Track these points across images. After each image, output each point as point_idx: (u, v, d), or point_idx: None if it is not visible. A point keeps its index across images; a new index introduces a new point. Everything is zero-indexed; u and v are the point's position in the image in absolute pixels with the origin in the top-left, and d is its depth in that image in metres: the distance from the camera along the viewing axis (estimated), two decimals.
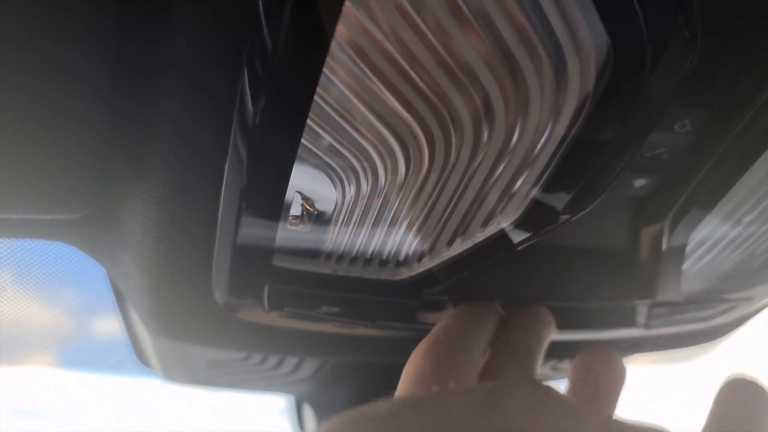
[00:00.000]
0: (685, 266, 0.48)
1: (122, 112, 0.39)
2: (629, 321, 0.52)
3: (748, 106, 0.36)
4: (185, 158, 0.38)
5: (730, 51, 0.34)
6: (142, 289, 0.48)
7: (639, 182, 0.41)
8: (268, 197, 0.38)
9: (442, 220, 0.41)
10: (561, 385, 0.47)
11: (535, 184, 0.39)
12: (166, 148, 0.38)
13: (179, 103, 0.35)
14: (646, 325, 0.52)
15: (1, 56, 0.33)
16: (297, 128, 0.33)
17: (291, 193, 0.39)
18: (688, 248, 0.46)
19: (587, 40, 0.31)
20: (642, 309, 0.51)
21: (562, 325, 0.48)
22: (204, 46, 0.32)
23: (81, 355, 0.80)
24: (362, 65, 0.31)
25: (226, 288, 0.44)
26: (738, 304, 0.55)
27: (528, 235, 0.42)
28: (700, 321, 0.55)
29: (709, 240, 0.47)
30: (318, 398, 0.81)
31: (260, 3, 0.29)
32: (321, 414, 0.82)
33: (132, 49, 0.35)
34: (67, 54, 0.35)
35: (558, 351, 0.54)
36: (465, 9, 0.29)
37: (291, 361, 0.67)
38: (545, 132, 0.36)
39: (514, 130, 0.36)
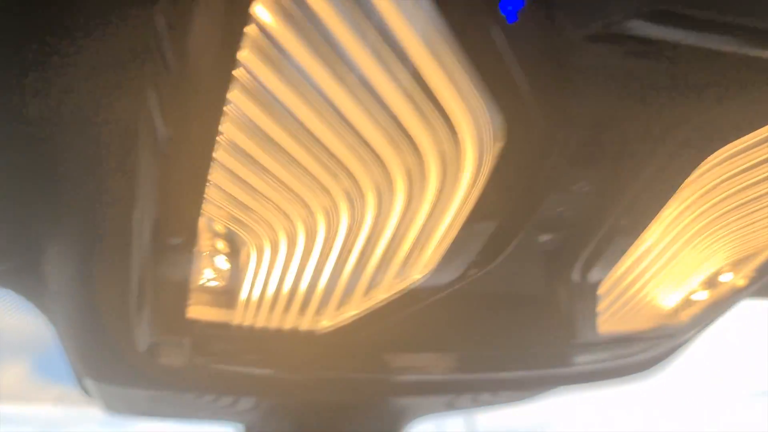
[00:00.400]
0: (599, 309, 0.49)
1: (41, 172, 0.39)
2: (554, 360, 0.53)
3: (642, 167, 0.38)
4: (100, 211, 0.39)
5: (619, 119, 0.35)
6: (68, 335, 0.48)
7: (544, 238, 0.42)
8: (181, 251, 0.39)
9: (357, 276, 0.42)
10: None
11: (441, 242, 0.40)
12: (82, 197, 0.38)
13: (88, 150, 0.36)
14: (568, 364, 0.53)
15: None
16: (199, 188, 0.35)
17: (204, 251, 0.40)
18: (601, 292, 0.48)
19: (483, 117, 0.32)
20: (564, 349, 0.52)
21: (485, 368, 0.49)
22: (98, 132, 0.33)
23: (25, 386, 0.80)
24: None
25: (148, 339, 0.45)
26: (656, 342, 0.56)
27: (439, 288, 0.43)
28: (621, 358, 0.57)
29: (621, 282, 0.49)
30: (268, 427, 0.82)
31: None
32: None
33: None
34: None
35: (482, 387, 0.55)
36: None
37: (222, 396, 0.67)
38: (446, 195, 0.37)
39: (422, 188, 0.37)
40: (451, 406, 0.85)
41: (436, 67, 0.31)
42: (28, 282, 0.49)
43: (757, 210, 0.45)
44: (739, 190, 0.42)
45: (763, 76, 0.33)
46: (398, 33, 0.29)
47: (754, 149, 0.39)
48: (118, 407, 0.71)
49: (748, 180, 0.41)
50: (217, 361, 0.47)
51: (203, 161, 0.33)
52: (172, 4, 0.28)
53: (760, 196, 0.43)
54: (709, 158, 0.38)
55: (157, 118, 0.32)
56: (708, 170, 0.40)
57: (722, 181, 0.41)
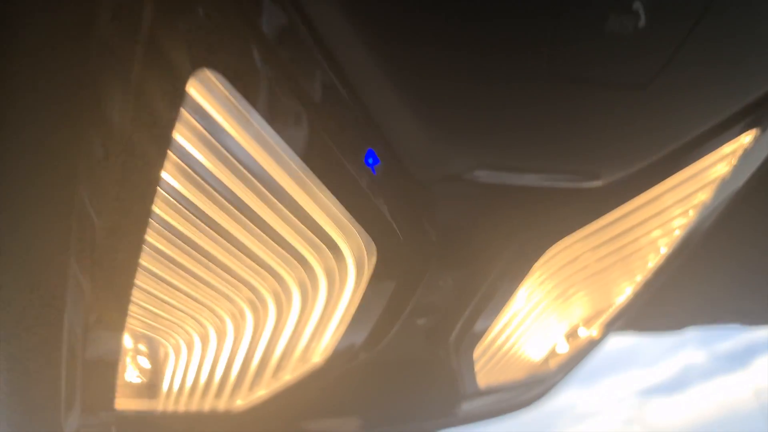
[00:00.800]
0: (476, 367, 0.58)
1: None
2: (443, 411, 0.61)
3: (492, 265, 0.47)
4: (27, 315, 0.42)
5: (469, 232, 0.44)
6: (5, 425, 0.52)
7: (421, 321, 0.50)
8: (106, 354, 0.44)
9: (266, 362, 0.49)
10: None
11: (335, 333, 0.47)
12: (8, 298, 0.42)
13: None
14: (456, 412, 0.61)
15: None
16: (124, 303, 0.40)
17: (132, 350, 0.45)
18: (476, 354, 0.56)
19: (357, 240, 0.40)
20: (451, 401, 0.61)
21: (384, 423, 0.57)
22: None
23: None
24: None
25: (74, 426, 0.50)
26: (530, 386, 0.66)
27: (336, 367, 0.50)
28: (500, 402, 0.65)
29: (492, 345, 0.57)
30: None
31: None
32: None
33: None
34: None
35: None
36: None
37: None
38: (337, 297, 0.44)
39: (314, 297, 0.44)
40: None
41: (315, 206, 0.38)
42: None
43: (594, 283, 0.55)
44: (575, 271, 0.52)
45: (568, 196, 0.42)
46: (280, 180, 0.36)
47: (581, 242, 0.48)
48: None
49: (580, 264, 0.51)
50: None
51: (132, 260, 0.38)
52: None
53: (592, 274, 0.53)
54: (548, 251, 0.47)
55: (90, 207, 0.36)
56: (550, 258, 0.48)
57: (564, 265, 0.51)
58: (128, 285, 0.39)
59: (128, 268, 0.38)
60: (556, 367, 0.65)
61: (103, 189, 0.33)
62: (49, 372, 0.45)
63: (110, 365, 0.45)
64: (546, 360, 0.64)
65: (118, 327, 0.42)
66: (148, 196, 0.34)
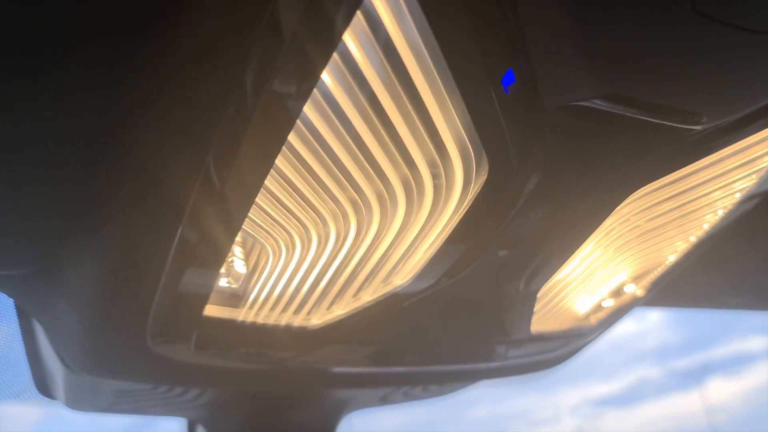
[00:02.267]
0: (534, 311, 0.60)
1: (91, 171, 0.43)
2: (491, 356, 0.64)
3: (581, 202, 0.49)
4: (143, 218, 0.44)
5: (570, 164, 0.47)
6: (76, 333, 0.53)
7: (503, 252, 0.52)
8: (212, 258, 0.45)
9: (352, 279, 0.51)
10: None
11: (424, 255, 0.49)
12: (126, 208, 0.43)
13: (149, 160, 0.41)
14: (504, 358, 0.64)
15: None
16: (251, 198, 0.41)
17: (230, 253, 0.47)
18: (537, 300, 0.59)
19: (470, 157, 0.42)
20: (501, 345, 0.63)
21: (443, 360, 0.59)
22: (181, 114, 0.38)
23: None
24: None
25: (160, 333, 0.51)
26: (572, 340, 0.69)
27: (415, 292, 0.52)
28: (544, 353, 0.68)
29: (552, 291, 0.60)
30: (211, 421, 0.87)
31: None
32: None
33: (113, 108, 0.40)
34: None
35: (427, 378, 0.65)
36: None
37: (195, 390, 0.73)
38: (436, 216, 0.46)
39: (413, 212, 0.46)
40: (384, 401, 0.94)
41: (444, 123, 0.40)
42: (36, 286, 0.54)
43: (653, 238, 0.58)
44: (641, 223, 0.55)
45: (670, 137, 0.45)
46: (420, 88, 0.38)
47: (656, 192, 0.51)
48: (81, 405, 0.75)
49: (648, 216, 0.54)
50: (215, 353, 0.54)
51: (257, 182, 0.40)
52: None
53: (654, 228, 0.56)
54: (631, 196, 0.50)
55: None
56: (627, 204, 0.51)
57: (631, 215, 0.54)
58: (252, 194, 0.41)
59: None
60: (597, 323, 0.68)
61: None
62: (148, 272, 0.47)
63: (211, 270, 0.46)
64: (589, 315, 0.67)
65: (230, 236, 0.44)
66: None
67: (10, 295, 0.54)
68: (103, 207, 0.45)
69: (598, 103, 0.40)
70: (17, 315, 0.68)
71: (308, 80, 0.35)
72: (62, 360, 0.60)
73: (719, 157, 0.49)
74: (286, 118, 0.36)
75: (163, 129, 0.39)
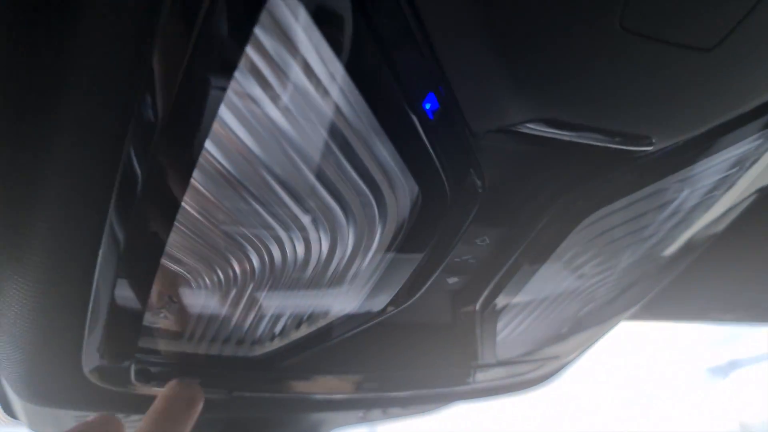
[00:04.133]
0: (498, 337, 0.57)
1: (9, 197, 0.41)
2: (458, 381, 0.61)
3: (532, 225, 0.46)
4: (62, 245, 0.42)
5: (515, 187, 0.44)
6: (14, 363, 0.51)
7: (452, 280, 0.50)
8: (137, 291, 0.43)
9: (288, 312, 0.48)
10: None
11: (363, 287, 0.47)
12: (43, 242, 0.42)
13: (61, 186, 0.39)
14: (470, 382, 0.61)
15: None
16: (161, 242, 0.39)
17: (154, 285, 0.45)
18: (499, 324, 0.56)
19: (402, 187, 0.39)
20: (466, 370, 0.60)
21: (404, 386, 0.56)
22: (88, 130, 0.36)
23: None
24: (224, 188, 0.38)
25: (95, 362, 0.49)
26: (545, 362, 0.65)
27: (359, 322, 0.49)
28: (514, 377, 0.65)
29: (517, 315, 0.57)
30: None
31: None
32: None
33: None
34: None
35: (395, 403, 0.63)
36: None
37: None
38: (370, 247, 0.44)
39: (344, 244, 0.43)
40: (363, 419, 0.92)
41: (363, 147, 0.37)
42: None
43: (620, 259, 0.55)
44: (605, 245, 0.51)
45: (618, 160, 0.42)
46: (339, 124, 0.35)
47: (615, 214, 0.48)
48: (42, 428, 0.74)
49: (611, 237, 0.51)
50: (157, 384, 0.52)
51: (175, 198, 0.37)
52: None
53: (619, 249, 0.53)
54: (584, 220, 0.47)
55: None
56: (583, 228, 0.48)
57: (592, 238, 0.50)
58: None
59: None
60: (574, 345, 0.65)
61: None
62: (78, 306, 0.45)
63: (141, 298, 0.44)
64: (565, 336, 0.64)
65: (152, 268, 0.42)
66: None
67: None
68: (21, 235, 0.43)
69: (532, 128, 0.37)
70: None
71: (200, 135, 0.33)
72: (11, 388, 0.59)
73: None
74: (181, 175, 0.35)
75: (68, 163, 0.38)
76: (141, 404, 0.56)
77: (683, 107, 0.38)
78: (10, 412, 0.74)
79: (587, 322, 0.64)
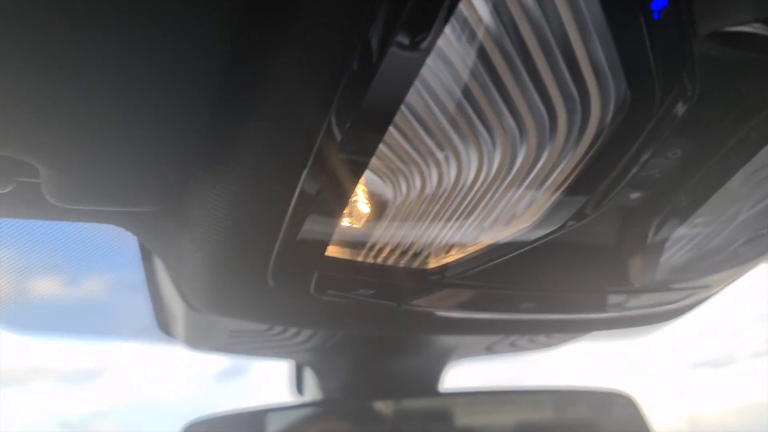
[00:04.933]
0: (662, 258, 0.57)
1: (221, 114, 0.44)
2: (610, 306, 0.61)
3: (726, 140, 0.46)
4: (268, 162, 0.44)
5: (716, 98, 0.43)
6: (200, 272, 0.54)
7: (634, 195, 0.50)
8: (335, 200, 0.45)
9: (475, 221, 0.49)
10: None
11: (551, 196, 0.47)
12: (252, 152, 0.44)
13: (276, 110, 0.41)
14: (625, 308, 0.61)
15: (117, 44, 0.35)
16: (373, 146, 0.41)
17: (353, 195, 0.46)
18: (666, 245, 0.56)
19: (610, 91, 0.40)
20: (622, 295, 0.61)
21: (559, 309, 0.57)
22: (308, 65, 0.38)
23: (107, 324, 0.86)
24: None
25: (282, 273, 0.52)
26: (696, 291, 0.65)
27: (539, 236, 0.50)
28: (666, 304, 0.65)
29: (681, 239, 0.57)
30: (319, 364, 0.89)
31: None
32: (321, 377, 0.91)
33: (244, 55, 0.40)
34: (184, 48, 0.37)
35: (547, 328, 0.64)
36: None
37: (306, 332, 0.74)
38: (568, 153, 0.44)
39: (543, 150, 0.44)
40: (490, 351, 0.94)
41: (584, 51, 0.37)
42: (162, 225, 0.55)
43: None
44: None
45: None
46: (563, 14, 0.36)
47: None
48: (199, 344, 0.78)
49: None
50: (333, 295, 0.54)
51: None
52: None
53: None
54: None
55: None
56: None
57: None
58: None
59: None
60: (725, 276, 0.65)
61: None
62: (272, 214, 0.47)
63: (336, 208, 0.46)
64: (719, 266, 0.63)
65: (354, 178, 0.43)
66: None
67: (134, 233, 0.56)
68: (229, 148, 0.45)
69: (758, 28, 0.37)
70: (140, 255, 0.71)
71: (433, 32, 0.34)
72: (184, 299, 0.62)
73: None
74: (413, 64, 0.35)
75: (291, 78, 0.39)
76: (316, 316, 0.59)
77: None
78: (166, 330, 0.79)
79: (743, 254, 0.63)
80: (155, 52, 0.37)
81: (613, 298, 0.61)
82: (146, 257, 0.70)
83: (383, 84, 0.36)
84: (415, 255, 0.53)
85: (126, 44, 0.35)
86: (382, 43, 0.34)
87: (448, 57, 0.37)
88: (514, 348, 0.88)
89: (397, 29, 0.33)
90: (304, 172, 0.44)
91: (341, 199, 0.45)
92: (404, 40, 0.34)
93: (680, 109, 0.41)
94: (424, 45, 0.34)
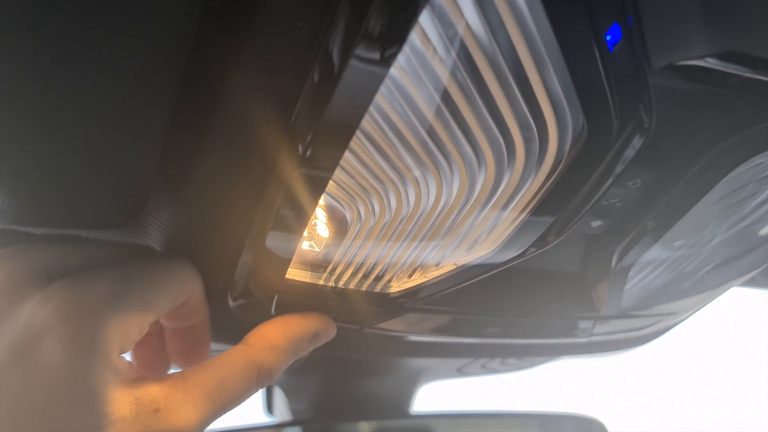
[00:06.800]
0: (626, 286, 0.57)
1: (178, 128, 0.43)
2: (576, 331, 0.61)
3: (685, 171, 0.46)
4: (227, 178, 0.43)
5: (674, 130, 0.43)
6: None
7: (596, 223, 0.50)
8: (296, 218, 0.44)
9: (437, 245, 0.49)
10: None
11: (512, 222, 0.47)
12: (210, 167, 0.43)
13: (234, 124, 0.40)
14: (592, 333, 0.61)
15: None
16: (335, 160, 0.40)
17: (313, 216, 0.46)
18: (630, 273, 0.56)
19: (566, 122, 0.40)
20: (587, 322, 0.60)
21: (525, 334, 0.57)
22: (268, 76, 0.37)
23: None
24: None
25: (242, 294, 0.51)
26: (662, 318, 0.65)
27: (502, 261, 0.50)
28: (633, 330, 0.65)
29: (646, 267, 0.57)
30: (289, 384, 0.89)
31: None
32: (291, 398, 0.90)
33: (202, 67, 0.39)
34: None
35: (513, 352, 0.63)
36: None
37: None
38: (527, 182, 0.44)
39: (502, 177, 0.44)
40: (461, 372, 0.93)
41: (540, 82, 0.37)
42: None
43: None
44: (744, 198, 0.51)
45: None
46: (517, 47, 0.36)
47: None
48: None
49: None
50: None
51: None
52: None
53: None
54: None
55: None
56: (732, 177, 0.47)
57: (734, 191, 0.50)
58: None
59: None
60: (692, 303, 0.65)
61: None
62: (233, 233, 0.46)
63: (296, 231, 0.45)
64: (686, 293, 0.63)
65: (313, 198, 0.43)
66: None
67: None
68: (186, 164, 0.45)
69: (711, 62, 0.37)
70: None
71: (395, 44, 0.33)
72: None
73: None
74: (373, 81, 0.35)
75: (249, 89, 0.39)
76: None
77: None
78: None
79: (709, 281, 0.63)
80: (109, 69, 0.37)
81: (580, 324, 0.61)
82: None
83: (345, 96, 0.36)
84: (377, 279, 0.52)
85: (77, 63, 0.35)
86: (343, 54, 0.34)
87: (402, 84, 0.36)
88: (486, 370, 0.88)
89: (357, 40, 0.33)
90: (265, 189, 0.43)
91: (302, 217, 0.44)
92: (364, 52, 0.33)
93: (638, 140, 0.41)
94: (384, 56, 0.34)
